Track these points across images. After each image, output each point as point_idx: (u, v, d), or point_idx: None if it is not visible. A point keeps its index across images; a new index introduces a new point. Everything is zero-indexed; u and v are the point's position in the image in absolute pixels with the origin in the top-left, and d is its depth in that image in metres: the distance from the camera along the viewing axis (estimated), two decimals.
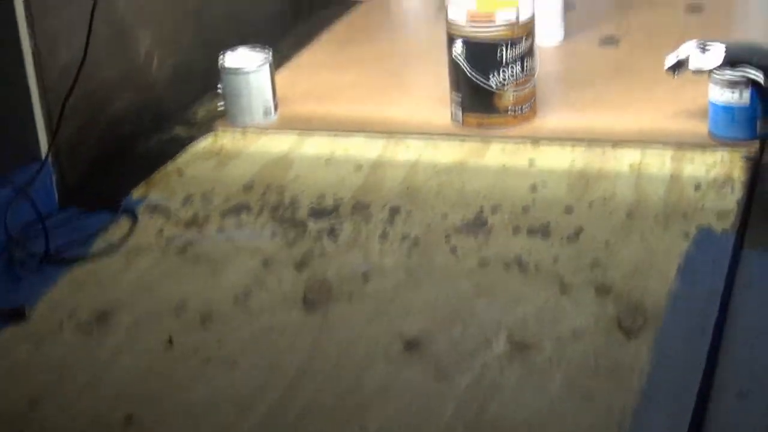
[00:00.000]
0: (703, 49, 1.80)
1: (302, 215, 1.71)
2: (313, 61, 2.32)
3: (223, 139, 2.00)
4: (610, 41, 2.29)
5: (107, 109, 1.96)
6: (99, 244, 1.68)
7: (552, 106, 2.00)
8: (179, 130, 2.07)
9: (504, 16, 1.85)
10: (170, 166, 1.91)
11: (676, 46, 1.85)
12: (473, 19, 1.86)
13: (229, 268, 1.59)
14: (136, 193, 1.82)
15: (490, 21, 1.85)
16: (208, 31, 2.23)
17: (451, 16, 1.89)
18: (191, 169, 1.90)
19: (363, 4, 2.59)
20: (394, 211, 1.70)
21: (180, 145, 2.00)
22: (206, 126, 2.06)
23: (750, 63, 1.77)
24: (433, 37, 2.17)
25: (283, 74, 2.23)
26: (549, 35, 2.27)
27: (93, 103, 1.92)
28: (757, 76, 1.76)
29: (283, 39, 2.47)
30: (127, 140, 2.00)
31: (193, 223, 1.72)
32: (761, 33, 2.30)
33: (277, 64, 2.14)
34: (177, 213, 1.75)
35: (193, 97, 2.18)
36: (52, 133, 1.77)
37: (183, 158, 1.94)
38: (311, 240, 1.64)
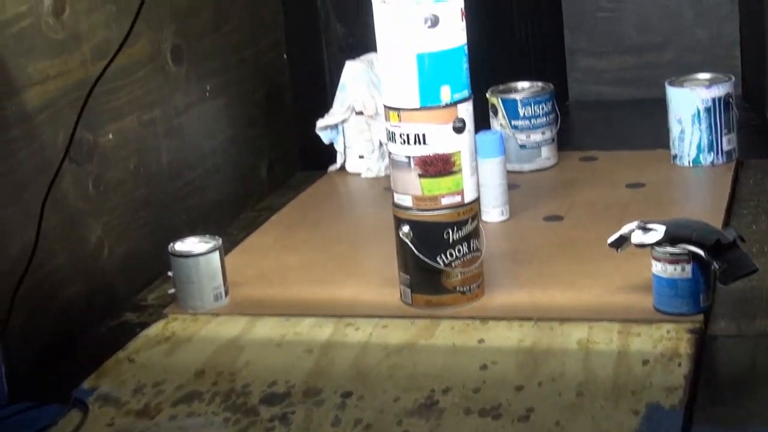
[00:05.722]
0: (644, 229, 1.85)
1: (254, 402, 1.71)
2: (262, 245, 2.34)
3: (174, 324, 2.00)
4: (554, 218, 2.33)
5: (57, 297, 1.97)
6: None
7: (499, 284, 2.03)
8: (130, 316, 2.08)
9: (449, 200, 1.90)
10: (121, 354, 1.90)
11: (618, 221, 1.88)
12: (419, 203, 1.90)
13: None
14: (87, 383, 1.81)
15: (436, 204, 1.89)
16: (158, 218, 2.26)
17: (396, 200, 1.93)
18: (142, 357, 1.90)
19: (309, 188, 2.63)
20: (346, 396, 1.70)
21: (131, 331, 2.00)
22: (157, 312, 2.07)
23: (690, 239, 1.81)
24: (381, 219, 2.21)
25: (233, 258, 2.24)
26: (494, 213, 2.32)
27: (43, 292, 1.93)
28: (698, 251, 1.80)
29: (232, 223, 2.50)
30: (78, 328, 2.01)
31: (145, 413, 1.71)
32: (699, 209, 2.36)
33: (226, 248, 2.16)
34: (128, 403, 1.74)
35: (144, 283, 2.19)
36: (2, 326, 1.78)
37: (134, 345, 1.94)
38: (263, 428, 1.64)
